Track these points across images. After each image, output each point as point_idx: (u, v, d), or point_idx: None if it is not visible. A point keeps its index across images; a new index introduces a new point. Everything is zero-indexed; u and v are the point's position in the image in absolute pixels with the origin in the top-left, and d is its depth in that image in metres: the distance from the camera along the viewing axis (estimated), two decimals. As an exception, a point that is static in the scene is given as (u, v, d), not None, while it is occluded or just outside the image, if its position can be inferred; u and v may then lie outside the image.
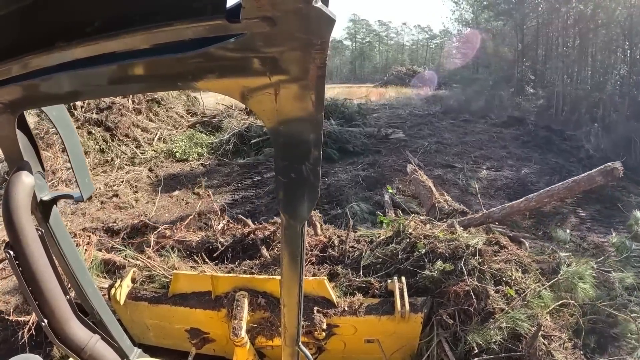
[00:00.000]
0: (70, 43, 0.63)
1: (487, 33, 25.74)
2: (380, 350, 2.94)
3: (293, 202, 0.82)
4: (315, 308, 2.87)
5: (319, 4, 0.50)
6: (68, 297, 1.07)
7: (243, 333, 2.62)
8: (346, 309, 2.90)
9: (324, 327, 2.83)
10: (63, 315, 1.05)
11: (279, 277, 2.22)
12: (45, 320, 1.02)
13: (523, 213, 4.44)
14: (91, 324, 1.19)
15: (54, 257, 1.06)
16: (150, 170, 8.97)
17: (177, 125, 11.78)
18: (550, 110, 20.26)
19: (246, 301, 2.78)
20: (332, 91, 30.76)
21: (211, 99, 13.59)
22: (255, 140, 9.66)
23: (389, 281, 3.10)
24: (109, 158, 9.57)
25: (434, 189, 5.66)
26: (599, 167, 3.96)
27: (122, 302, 3.09)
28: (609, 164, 3.89)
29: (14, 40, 0.67)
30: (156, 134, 10.95)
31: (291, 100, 0.63)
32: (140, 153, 9.93)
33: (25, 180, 0.96)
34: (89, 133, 9.95)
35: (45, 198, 1.15)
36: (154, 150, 10.04)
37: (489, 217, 4.47)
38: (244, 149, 9.80)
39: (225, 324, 2.90)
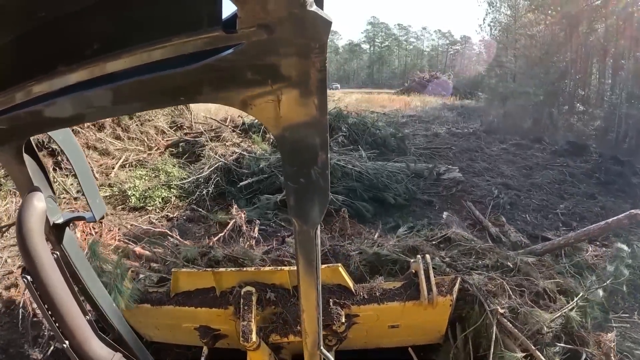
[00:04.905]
0: (70, 67, 0.61)
1: (529, 39, 21.61)
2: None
3: (304, 207, 0.79)
4: (331, 300, 2.54)
5: (314, 8, 0.49)
6: (87, 317, 1.05)
7: (254, 337, 2.32)
8: (366, 296, 2.59)
9: (343, 320, 2.51)
10: (83, 335, 1.02)
11: (286, 268, 2.51)
12: (67, 342, 0.99)
13: (563, 249, 4.38)
14: (112, 342, 1.15)
15: (70, 279, 1.02)
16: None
17: (152, 145, 8.35)
18: (609, 134, 16.23)
19: (254, 298, 2.46)
20: (351, 97, 27.11)
21: (202, 105, 10.18)
22: (246, 182, 6.11)
23: (413, 261, 2.72)
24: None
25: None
26: (625, 213, 4.31)
27: (123, 307, 2.69)
28: (633, 210, 4.22)
29: (15, 68, 0.66)
30: (120, 158, 7.55)
31: (294, 105, 0.61)
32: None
33: (37, 205, 0.93)
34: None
35: (58, 221, 1.11)
36: (108, 187, 6.64)
37: (531, 252, 4.20)
38: (231, 191, 6.27)
39: (234, 320, 2.56)
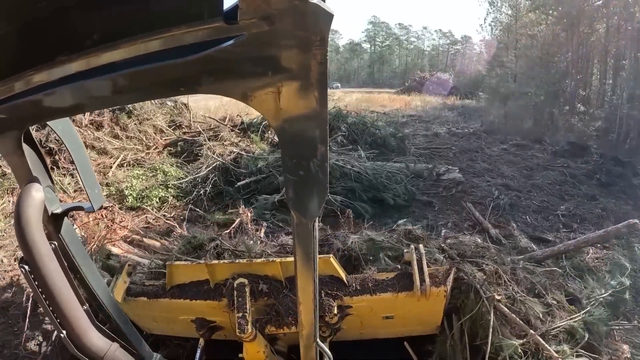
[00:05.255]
0: (71, 56, 0.61)
1: (530, 38, 21.48)
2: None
3: (303, 199, 0.79)
4: (323, 291, 2.48)
5: (316, 0, 0.48)
6: (85, 307, 1.05)
7: (250, 327, 2.34)
8: (358, 287, 2.56)
9: (335, 311, 2.50)
10: (81, 325, 1.02)
11: (278, 260, 2.52)
12: (64, 332, 0.99)
13: (563, 255, 4.56)
14: (109, 332, 1.15)
15: (68, 269, 1.01)
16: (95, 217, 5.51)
17: (150, 144, 8.29)
18: (610, 134, 16.14)
19: (247, 290, 2.44)
20: (351, 96, 27.04)
21: (205, 102, 10.11)
22: (244, 182, 6.06)
23: (406, 251, 2.68)
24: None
25: None
26: (624, 222, 4.55)
27: (121, 300, 2.75)
28: (631, 220, 4.40)
29: (16, 57, 0.65)
30: (118, 157, 7.50)
31: (294, 98, 0.61)
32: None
33: (35, 195, 0.93)
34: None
35: (57, 211, 1.11)
36: (106, 186, 6.58)
37: (531, 257, 4.38)
38: (229, 190, 6.21)
39: (228, 312, 2.58)
